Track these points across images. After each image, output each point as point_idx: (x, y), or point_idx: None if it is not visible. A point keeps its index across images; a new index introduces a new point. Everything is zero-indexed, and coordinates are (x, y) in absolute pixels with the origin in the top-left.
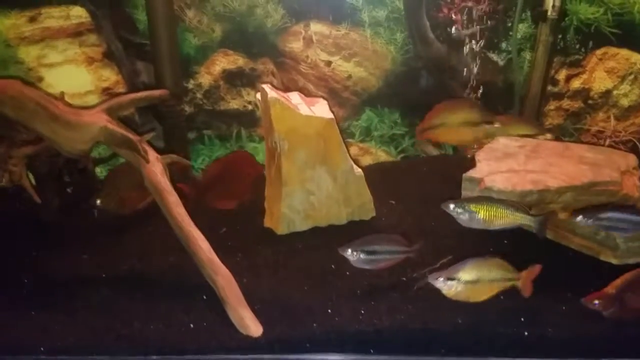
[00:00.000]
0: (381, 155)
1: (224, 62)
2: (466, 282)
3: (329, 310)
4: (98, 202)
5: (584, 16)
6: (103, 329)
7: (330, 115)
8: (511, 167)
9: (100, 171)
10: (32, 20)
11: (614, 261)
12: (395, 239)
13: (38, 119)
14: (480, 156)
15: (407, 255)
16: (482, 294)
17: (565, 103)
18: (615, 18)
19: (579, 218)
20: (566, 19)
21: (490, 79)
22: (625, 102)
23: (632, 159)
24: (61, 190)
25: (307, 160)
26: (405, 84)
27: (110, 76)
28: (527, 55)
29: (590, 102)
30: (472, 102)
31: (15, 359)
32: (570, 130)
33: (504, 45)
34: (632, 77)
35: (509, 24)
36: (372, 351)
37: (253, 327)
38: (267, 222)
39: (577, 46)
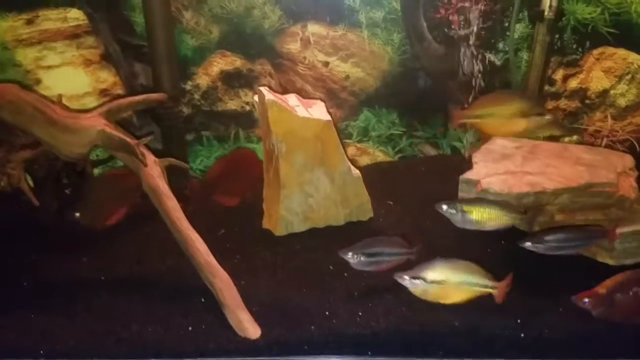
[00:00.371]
0: (379, 155)
1: (221, 63)
2: (432, 282)
3: (327, 313)
4: (77, 215)
5: (581, 16)
6: (102, 332)
7: (328, 117)
8: (508, 169)
9: (98, 173)
10: (30, 22)
11: (611, 262)
12: (396, 241)
13: (36, 123)
14: (477, 157)
15: (407, 257)
16: (453, 296)
17: (563, 103)
18: (612, 18)
19: (528, 244)
20: (563, 18)
21: (488, 79)
22: (622, 101)
23: (628, 160)
24: (60, 193)
25: (305, 162)
26: (403, 85)
27: (107, 78)
28: (525, 55)
29: (587, 101)
30: (522, 93)
31: None
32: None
33: (501, 45)
34: (629, 76)
35: (506, 24)
36: (369, 353)
37: (251, 330)
38: (266, 224)
39: (574, 46)
